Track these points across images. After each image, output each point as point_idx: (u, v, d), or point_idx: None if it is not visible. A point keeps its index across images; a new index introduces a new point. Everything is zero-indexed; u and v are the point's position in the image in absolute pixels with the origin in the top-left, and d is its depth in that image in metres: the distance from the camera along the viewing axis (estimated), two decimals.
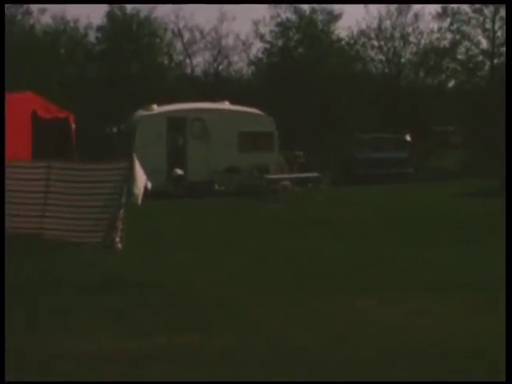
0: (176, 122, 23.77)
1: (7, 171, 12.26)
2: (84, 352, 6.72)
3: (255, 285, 9.64)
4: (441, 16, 36.95)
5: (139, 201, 12.61)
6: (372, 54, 38.73)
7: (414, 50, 38.38)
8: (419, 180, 27.57)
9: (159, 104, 24.30)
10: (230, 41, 54.01)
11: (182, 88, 36.46)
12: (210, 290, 9.30)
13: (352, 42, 38.46)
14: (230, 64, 40.56)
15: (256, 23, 38.59)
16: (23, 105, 16.04)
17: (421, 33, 38.02)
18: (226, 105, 25.24)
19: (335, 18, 38.46)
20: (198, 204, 20.38)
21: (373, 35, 38.15)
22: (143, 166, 12.82)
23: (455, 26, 36.75)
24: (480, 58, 37.07)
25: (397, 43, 38.09)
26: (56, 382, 6.02)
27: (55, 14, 38.96)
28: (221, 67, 40.40)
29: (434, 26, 40.39)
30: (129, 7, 38.45)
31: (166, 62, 40.15)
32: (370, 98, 35.58)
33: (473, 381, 6.02)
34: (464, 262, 11.21)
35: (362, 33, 38.27)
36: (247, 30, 50.72)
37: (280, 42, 38.55)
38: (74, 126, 18.54)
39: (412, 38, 38.13)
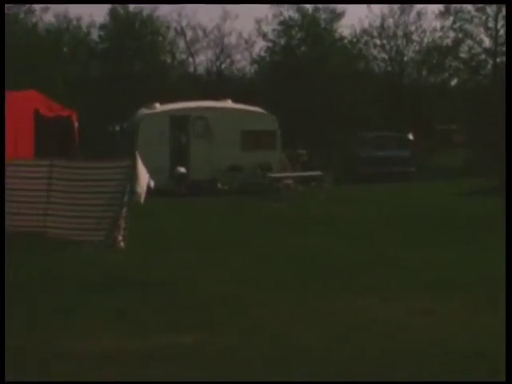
0: (179, 121, 23.78)
1: (9, 169, 12.23)
2: (84, 351, 6.70)
3: (258, 283, 9.62)
4: (443, 14, 37.00)
5: (142, 199, 12.58)
6: (375, 52, 38.84)
7: (417, 48, 38.48)
8: (422, 178, 27.56)
9: (162, 102, 24.31)
10: (233, 39, 54.22)
11: (184, 86, 36.51)
12: (212, 289, 9.28)
13: (355, 40, 38.54)
14: (232, 62, 40.68)
15: (259, 22, 38.73)
16: (25, 103, 16.01)
17: (423, 31, 38.13)
18: (228, 103, 25.24)
19: (338, 16, 38.53)
20: (200, 202, 20.36)
21: (375, 34, 38.25)
22: (146, 165, 12.80)
23: (458, 24, 36.80)
24: (483, 56, 37.10)
25: (399, 42, 38.17)
26: (56, 381, 6.00)
27: (58, 13, 39.17)
28: (223, 66, 40.49)
29: (437, 24, 40.44)
30: (131, 5, 38.54)
31: (168, 60, 40.21)
32: (373, 96, 35.60)
33: (473, 381, 6.00)
34: (464, 262, 11.19)
35: (364, 31, 38.39)
36: (250, 29, 50.65)
37: (283, 41, 38.59)
38: (76, 124, 18.50)
39: (415, 37, 38.24)
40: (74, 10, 45.74)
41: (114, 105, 33.61)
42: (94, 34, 39.10)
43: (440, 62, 37.70)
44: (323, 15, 38.52)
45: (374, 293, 8.96)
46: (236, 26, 66.02)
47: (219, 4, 42.14)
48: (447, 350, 6.73)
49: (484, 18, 36.21)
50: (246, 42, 39.77)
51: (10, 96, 14.00)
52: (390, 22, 37.89)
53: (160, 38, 39.73)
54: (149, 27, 39.20)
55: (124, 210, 12.27)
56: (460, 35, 36.98)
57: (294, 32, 38.45)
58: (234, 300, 8.65)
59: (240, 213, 18.07)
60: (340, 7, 38.52)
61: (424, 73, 38.69)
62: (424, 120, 35.93)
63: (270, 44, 38.75)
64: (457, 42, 37.18)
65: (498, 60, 36.00)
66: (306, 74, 34.77)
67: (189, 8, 52.17)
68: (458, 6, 36.39)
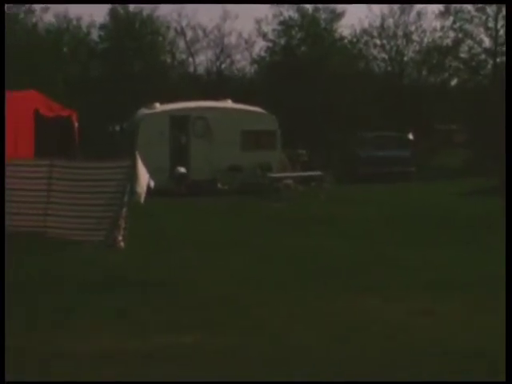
0: (179, 121, 23.79)
1: (9, 169, 12.23)
2: (84, 351, 6.70)
3: (258, 283, 9.62)
4: (443, 14, 36.99)
5: (142, 199, 12.58)
6: (375, 52, 38.83)
7: (417, 48, 38.47)
8: (422, 178, 27.55)
9: (162, 102, 24.32)
10: (233, 39, 54.12)
11: (184, 86, 36.51)
12: (212, 289, 9.28)
13: (355, 40, 38.52)
14: (232, 62, 40.67)
15: (259, 22, 38.71)
16: (25, 103, 16.00)
17: (424, 31, 38.12)
18: (228, 103, 25.24)
19: (338, 16, 38.51)
20: (200, 202, 20.36)
21: (375, 34, 38.23)
22: (146, 165, 12.80)
23: (458, 24, 36.79)
24: (483, 56, 37.10)
25: (399, 42, 38.16)
26: (56, 381, 6.00)
27: (58, 13, 39.15)
28: (223, 66, 40.49)
29: (437, 24, 40.39)
30: (131, 5, 38.55)
31: (168, 60, 40.21)
32: (373, 96, 35.59)
33: (473, 381, 6.00)
34: (464, 262, 11.20)
35: (364, 31, 38.38)
36: (250, 29, 50.58)
37: (283, 41, 38.58)
38: (76, 124, 18.50)
39: (415, 37, 38.22)
40: (73, 9, 45.79)
41: (114, 105, 33.61)
42: (94, 34, 39.16)
43: (440, 62, 37.69)
44: (323, 15, 38.54)
45: (374, 293, 8.96)
46: (236, 26, 66.00)
47: (219, 4, 42.23)
48: (447, 350, 6.73)
49: (484, 18, 36.21)
50: (246, 42, 39.82)
51: (9, 96, 13.99)
52: (390, 22, 37.92)
53: (160, 38, 39.73)
54: (149, 27, 39.20)
55: (124, 209, 12.27)
56: (460, 35, 36.98)
57: (293, 32, 38.45)
58: (233, 300, 8.64)
59: (240, 213, 18.07)
60: (340, 7, 38.58)
61: (424, 73, 38.68)
62: (424, 120, 35.92)
63: (270, 44, 38.75)
64: (457, 42, 37.17)
65: (497, 60, 35.99)
66: (306, 74, 34.76)
67: (189, 8, 52.17)
68: (457, 6, 36.41)
